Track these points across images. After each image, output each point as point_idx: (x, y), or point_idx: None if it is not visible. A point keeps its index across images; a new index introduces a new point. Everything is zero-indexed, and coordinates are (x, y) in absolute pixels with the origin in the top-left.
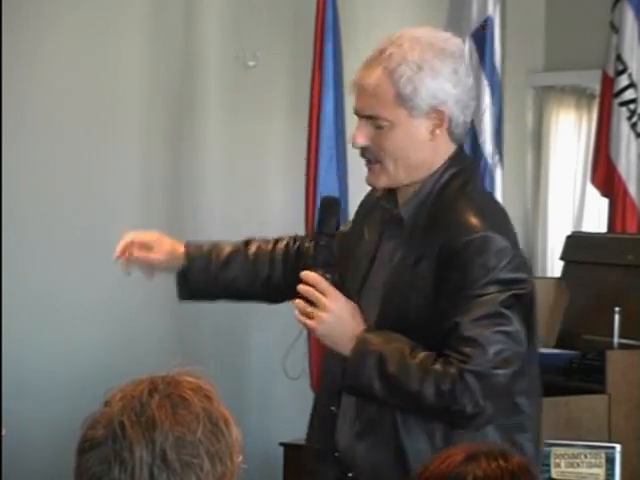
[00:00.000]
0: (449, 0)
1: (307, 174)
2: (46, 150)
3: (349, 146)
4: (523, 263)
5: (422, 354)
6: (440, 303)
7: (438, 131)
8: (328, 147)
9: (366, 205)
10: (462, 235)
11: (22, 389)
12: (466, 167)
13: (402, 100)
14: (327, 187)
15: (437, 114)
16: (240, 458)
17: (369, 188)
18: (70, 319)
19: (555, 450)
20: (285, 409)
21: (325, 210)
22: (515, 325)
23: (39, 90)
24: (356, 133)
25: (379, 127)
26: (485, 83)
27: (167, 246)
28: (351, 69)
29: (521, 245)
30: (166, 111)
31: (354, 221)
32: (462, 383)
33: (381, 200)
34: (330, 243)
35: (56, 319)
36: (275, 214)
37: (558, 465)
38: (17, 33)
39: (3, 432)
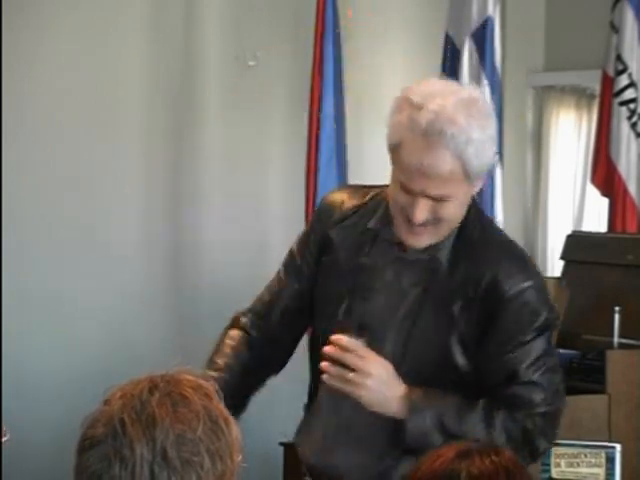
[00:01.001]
0: (449, 0)
1: (307, 174)
2: (46, 150)
3: (349, 146)
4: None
5: (477, 403)
6: (489, 347)
7: (476, 187)
8: (328, 147)
9: (351, 233)
10: (511, 284)
11: (22, 389)
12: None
13: (468, 176)
14: (327, 187)
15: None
16: (240, 457)
17: None
18: (70, 319)
19: (555, 450)
20: (285, 409)
21: None
22: (555, 353)
23: (39, 90)
24: (417, 212)
25: (440, 201)
26: (485, 83)
27: None
28: (351, 69)
29: (521, 245)
30: (166, 111)
31: (341, 248)
32: (534, 427)
33: (381, 232)
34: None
35: (56, 319)
36: (275, 214)
37: (558, 465)
38: (17, 33)
39: (5, 438)
